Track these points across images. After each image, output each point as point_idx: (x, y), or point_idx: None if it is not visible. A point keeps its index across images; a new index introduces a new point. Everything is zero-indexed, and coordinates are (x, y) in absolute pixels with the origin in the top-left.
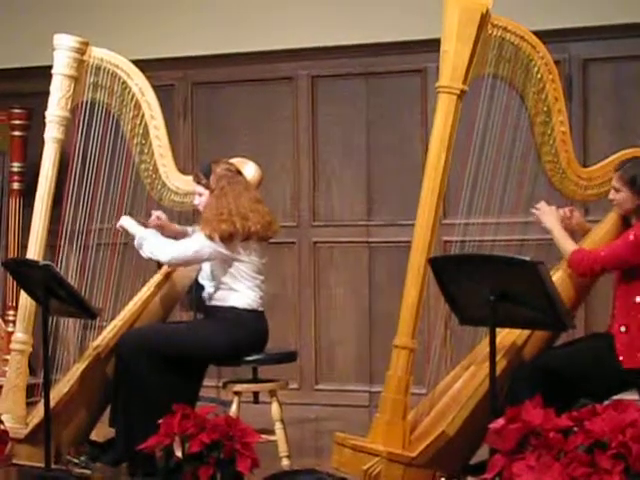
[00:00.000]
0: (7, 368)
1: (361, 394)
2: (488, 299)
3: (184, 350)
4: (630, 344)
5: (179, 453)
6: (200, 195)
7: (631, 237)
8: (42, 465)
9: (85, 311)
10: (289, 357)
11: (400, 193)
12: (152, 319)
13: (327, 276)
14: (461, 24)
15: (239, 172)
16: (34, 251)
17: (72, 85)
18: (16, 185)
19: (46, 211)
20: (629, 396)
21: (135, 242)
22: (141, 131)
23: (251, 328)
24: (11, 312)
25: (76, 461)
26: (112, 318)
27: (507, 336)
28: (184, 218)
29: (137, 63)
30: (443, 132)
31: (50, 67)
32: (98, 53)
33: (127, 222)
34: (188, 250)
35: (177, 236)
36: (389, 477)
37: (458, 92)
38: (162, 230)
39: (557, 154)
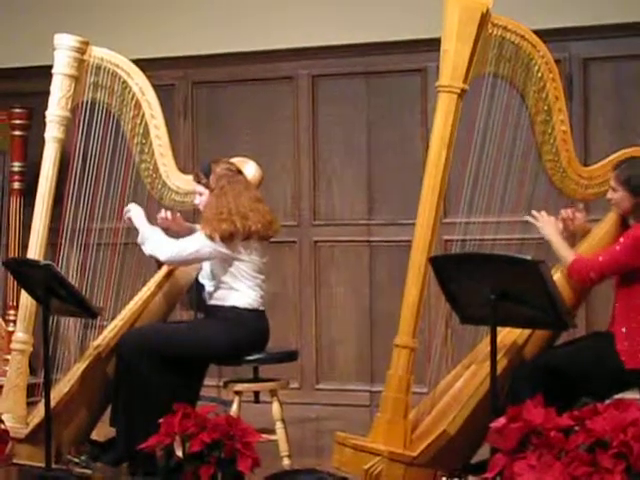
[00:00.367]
0: (8, 368)
1: (362, 393)
2: (489, 298)
3: (185, 349)
4: (632, 345)
5: (180, 452)
6: (200, 194)
7: (628, 243)
8: (43, 465)
9: (86, 310)
10: (290, 356)
11: (401, 192)
12: (153, 319)
13: (328, 275)
14: (461, 23)
15: (239, 171)
16: (35, 251)
17: (72, 85)
18: (17, 185)
19: (47, 211)
20: (630, 395)
21: (138, 238)
22: (141, 130)
23: (252, 327)
24: (12, 312)
25: (77, 461)
26: (113, 318)
27: (508, 335)
28: (185, 217)
29: (137, 62)
30: (443, 131)
31: (50, 67)
32: (98, 53)
33: (135, 213)
34: (188, 249)
35: (187, 234)
36: (390, 477)
37: (458, 91)
38: (172, 228)
39: (558, 153)
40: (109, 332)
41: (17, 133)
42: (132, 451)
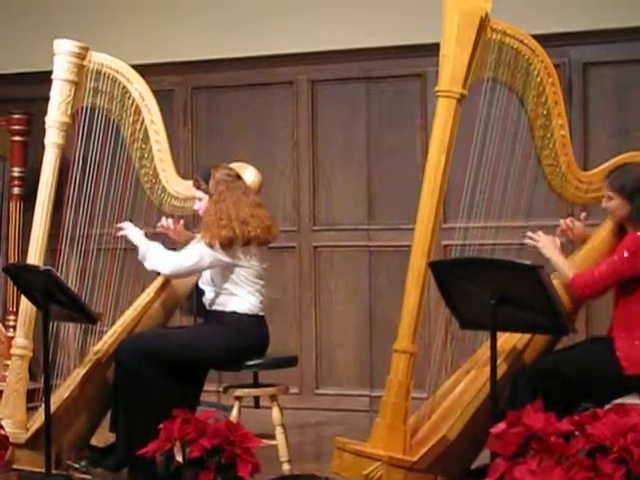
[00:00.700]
0: (7, 373)
1: (362, 398)
2: (489, 303)
3: (184, 355)
4: (631, 352)
5: (180, 458)
6: (200, 200)
7: (625, 254)
8: (43, 470)
9: (85, 316)
10: (290, 362)
11: (400, 197)
12: (152, 324)
13: (327, 280)
14: (460, 28)
15: (239, 177)
16: (34, 256)
17: (72, 90)
18: (16, 190)
19: (46, 216)
20: (630, 400)
21: (139, 254)
22: (141, 136)
23: (252, 333)
24: (12, 317)
25: (76, 466)
26: (112, 323)
27: (508, 340)
28: (185, 222)
29: (137, 68)
30: (443, 136)
31: (50, 72)
32: (98, 58)
33: (131, 232)
34: (189, 261)
35: (186, 242)
36: None
37: (458, 96)
38: (172, 237)
39: (557, 158)
40: (109, 337)
41: (17, 139)
42: (132, 456)
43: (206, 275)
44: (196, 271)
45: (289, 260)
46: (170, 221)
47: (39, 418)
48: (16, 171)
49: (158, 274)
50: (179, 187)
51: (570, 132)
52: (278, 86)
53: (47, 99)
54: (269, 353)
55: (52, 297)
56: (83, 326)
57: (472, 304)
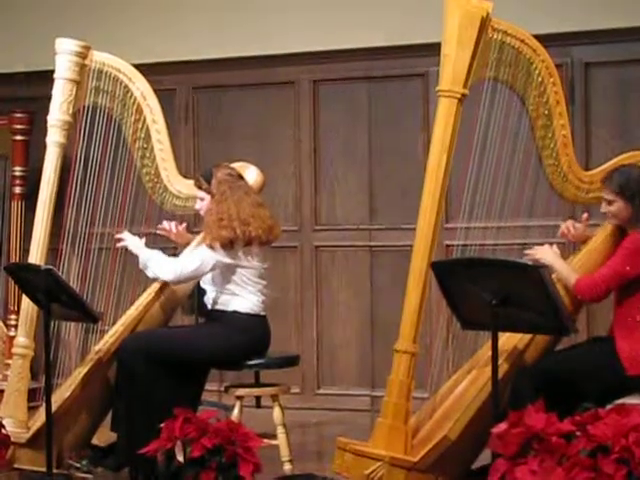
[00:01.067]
0: (9, 372)
1: (363, 398)
2: (490, 303)
3: (186, 354)
4: (633, 353)
5: (181, 457)
6: (201, 200)
7: (626, 255)
8: (44, 469)
9: (87, 315)
10: (291, 361)
11: (402, 197)
12: (154, 323)
13: (329, 280)
14: (462, 28)
15: (240, 176)
16: (36, 255)
17: (74, 89)
18: (18, 189)
19: (48, 215)
20: (632, 400)
21: (140, 264)
22: (143, 135)
23: (253, 332)
24: (13, 316)
25: (78, 465)
26: (114, 322)
27: (509, 340)
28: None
29: (138, 67)
30: (444, 136)
31: (52, 71)
32: (100, 57)
33: (131, 242)
34: (191, 266)
35: (186, 244)
36: None
37: (459, 96)
38: (175, 239)
39: (558, 157)
40: (110, 337)
41: (18, 138)
42: (133, 456)
43: (208, 275)
44: (199, 276)
45: (291, 260)
46: (173, 224)
47: (40, 417)
48: (18, 170)
49: None
50: (181, 186)
51: (572, 132)
52: (280, 86)
53: (49, 98)
54: (270, 353)
55: (53, 296)
56: (84, 325)
57: (473, 304)
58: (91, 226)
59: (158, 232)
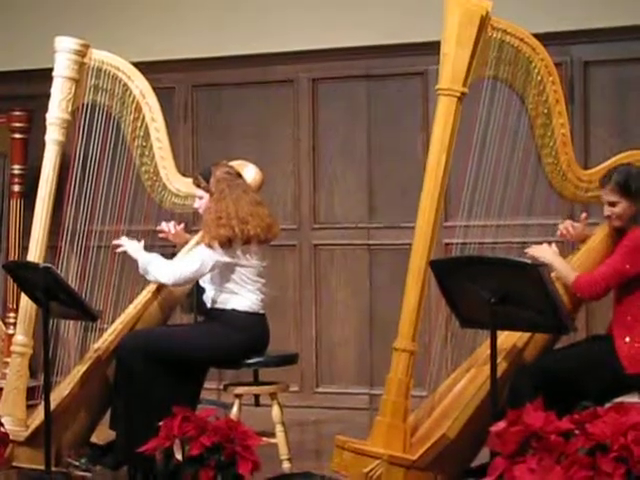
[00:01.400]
0: (7, 370)
1: (362, 397)
2: (489, 301)
3: (185, 353)
4: (632, 352)
5: (179, 456)
6: (200, 198)
7: (625, 252)
8: (42, 468)
9: (86, 313)
10: (290, 360)
11: (401, 195)
12: (153, 322)
13: (328, 279)
14: (461, 26)
15: (239, 175)
16: (34, 253)
17: (73, 87)
18: (17, 187)
19: (47, 214)
20: (631, 399)
21: (139, 269)
22: (142, 133)
23: (252, 331)
24: (12, 314)
25: (76, 464)
26: (113, 320)
27: (508, 339)
28: (184, 220)
29: (137, 65)
30: (443, 134)
31: (51, 69)
32: (99, 55)
33: (130, 247)
34: (191, 268)
35: (184, 245)
36: None
37: (458, 94)
38: (173, 239)
39: (557, 156)
40: (109, 335)
41: (17, 136)
42: (132, 454)
43: (209, 274)
44: (198, 277)
45: (289, 258)
46: (171, 225)
47: (39, 415)
48: (16, 168)
49: None
50: (179, 184)
51: (571, 130)
52: (279, 84)
53: (48, 96)
54: (269, 351)
55: (52, 294)
56: (83, 323)
57: (472, 302)
58: (90, 224)
59: (158, 230)
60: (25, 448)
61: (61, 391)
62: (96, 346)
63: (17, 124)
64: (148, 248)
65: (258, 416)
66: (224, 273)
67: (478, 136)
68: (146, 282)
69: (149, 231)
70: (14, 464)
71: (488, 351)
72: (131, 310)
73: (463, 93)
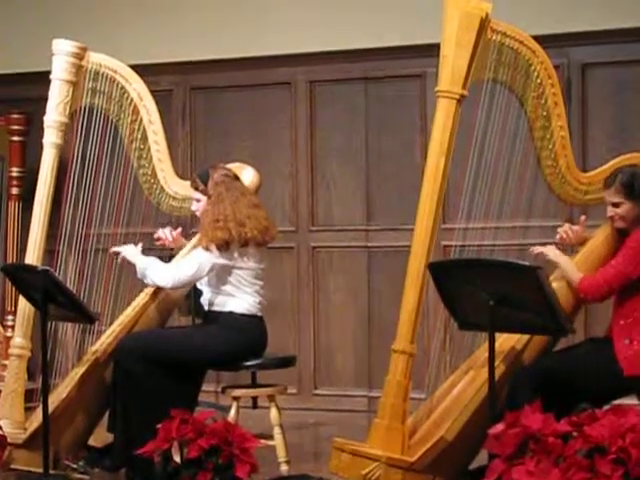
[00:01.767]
0: (5, 373)
1: (360, 399)
2: (487, 304)
3: (182, 355)
4: (630, 352)
5: (177, 458)
6: (198, 201)
7: (630, 250)
8: (40, 470)
9: (84, 316)
10: (288, 362)
11: (399, 198)
12: (151, 324)
13: (326, 281)
14: (461, 29)
15: (236, 177)
16: (32, 256)
17: (70, 90)
18: (15, 190)
19: (44, 216)
20: (629, 401)
21: (137, 273)
22: (139, 136)
23: (250, 333)
24: (10, 317)
25: (74, 466)
26: (111, 323)
27: (506, 341)
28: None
29: (135, 68)
30: (442, 137)
31: (49, 72)
32: (96, 58)
33: (128, 252)
34: (188, 272)
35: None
36: None
37: (458, 97)
38: (170, 245)
39: (556, 159)
40: (107, 337)
41: (15, 138)
42: (130, 457)
43: (206, 276)
44: (196, 280)
45: (287, 260)
46: (167, 231)
47: (37, 418)
48: (15, 171)
49: None
50: (177, 187)
51: (569, 133)
52: (276, 86)
53: (46, 99)
54: (267, 353)
55: (50, 297)
56: (81, 326)
57: (470, 305)
58: (88, 227)
59: (157, 243)
60: (23, 451)
61: (59, 394)
62: (94, 348)
63: (15, 127)
64: (146, 251)
65: (256, 418)
66: (221, 275)
67: (477, 138)
68: (144, 285)
69: (147, 234)
70: (12, 467)
71: (487, 353)
72: (129, 312)
73: (462, 95)
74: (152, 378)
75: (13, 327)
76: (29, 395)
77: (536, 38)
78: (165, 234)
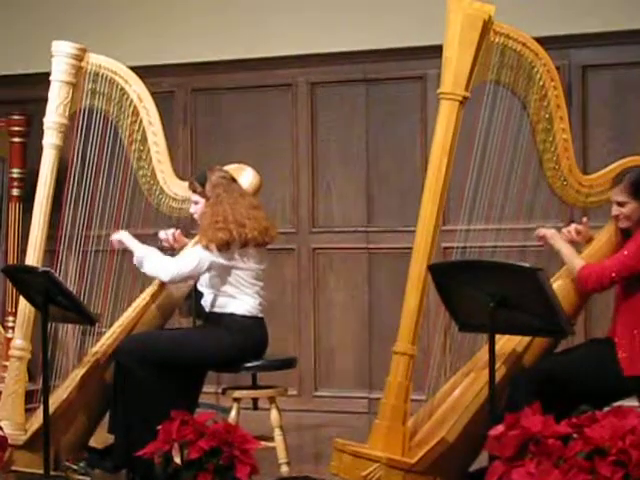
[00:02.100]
0: (6, 374)
1: (360, 400)
2: (488, 305)
3: (183, 356)
4: (632, 352)
5: (178, 459)
6: (196, 203)
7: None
8: (41, 472)
9: (84, 317)
10: (288, 363)
11: (399, 200)
12: (151, 325)
13: (327, 282)
14: (464, 31)
15: (234, 179)
16: (33, 257)
17: (70, 92)
18: (16, 191)
19: (44, 217)
20: (629, 403)
21: (135, 260)
22: (139, 137)
23: (251, 335)
24: (11, 318)
25: (75, 467)
26: (111, 324)
27: (507, 343)
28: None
29: (137, 69)
30: (444, 138)
31: (50, 74)
32: (96, 60)
33: (126, 237)
34: (187, 267)
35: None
36: None
37: (460, 98)
38: (174, 246)
39: (559, 161)
40: (107, 339)
41: (16, 140)
42: (130, 458)
43: (204, 278)
44: (194, 276)
45: (288, 262)
46: (169, 233)
47: (37, 419)
48: (15, 172)
49: None
50: (177, 188)
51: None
52: (277, 88)
53: (47, 100)
54: (268, 355)
55: (51, 298)
56: (82, 327)
57: (471, 306)
58: (88, 228)
59: (162, 245)
60: (24, 452)
61: (59, 395)
62: (94, 350)
63: (16, 128)
64: None
65: (256, 420)
66: (222, 276)
67: (479, 140)
68: (144, 285)
69: (147, 235)
70: (13, 468)
71: (487, 355)
72: (129, 314)
73: (465, 97)
74: (152, 379)
75: (14, 328)
76: (29, 396)
77: (537, 40)
78: (167, 235)
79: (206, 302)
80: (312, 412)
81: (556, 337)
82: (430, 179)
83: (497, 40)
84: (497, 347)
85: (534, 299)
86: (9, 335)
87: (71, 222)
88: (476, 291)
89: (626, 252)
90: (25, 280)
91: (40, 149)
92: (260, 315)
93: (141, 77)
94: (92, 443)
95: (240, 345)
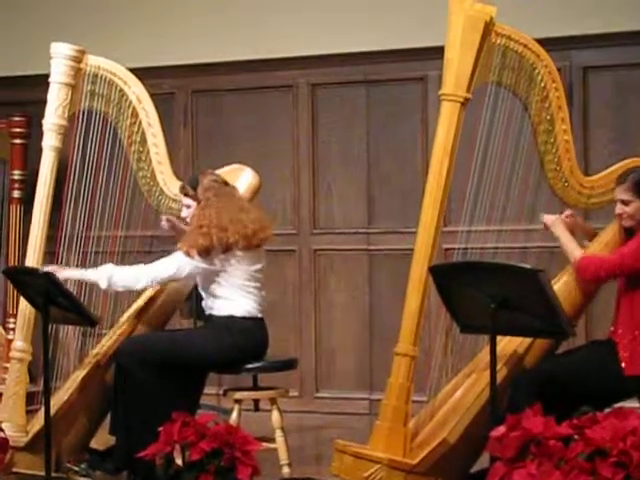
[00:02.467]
0: (7, 376)
1: (361, 402)
2: (489, 307)
3: (183, 358)
4: (635, 353)
5: (179, 461)
6: (188, 207)
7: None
8: (42, 473)
9: (85, 318)
10: (289, 365)
11: (400, 201)
12: (151, 326)
13: (327, 284)
14: (465, 32)
15: (226, 183)
16: (33, 258)
17: (69, 93)
18: (16, 193)
19: (44, 219)
20: (630, 404)
21: (102, 286)
22: (139, 139)
23: (251, 336)
24: (12, 320)
25: (76, 469)
26: (112, 325)
27: (508, 344)
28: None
29: (137, 71)
30: (446, 140)
31: (49, 75)
32: (95, 61)
33: (69, 273)
34: (165, 272)
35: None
36: None
37: (462, 100)
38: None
39: (560, 163)
40: (108, 340)
41: (17, 141)
42: (131, 459)
43: (199, 282)
44: (176, 279)
45: (289, 263)
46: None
47: (39, 421)
48: (16, 174)
49: None
50: (177, 189)
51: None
52: (278, 89)
53: (47, 102)
54: (269, 356)
55: (51, 300)
56: (82, 329)
57: (472, 308)
58: (88, 229)
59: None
60: (25, 454)
61: (60, 396)
62: (95, 351)
63: (17, 129)
64: (146, 253)
65: (258, 421)
66: (211, 280)
67: (481, 142)
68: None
69: (146, 236)
70: (14, 470)
71: (488, 356)
72: (130, 315)
73: (466, 99)
74: (153, 381)
75: (15, 330)
76: (30, 398)
77: (538, 41)
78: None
79: (205, 305)
80: (313, 413)
81: (557, 338)
82: (431, 180)
83: (498, 41)
84: (498, 348)
85: (535, 300)
86: (10, 337)
87: (71, 223)
88: (477, 292)
89: (626, 249)
90: (26, 281)
91: (41, 151)
92: (260, 316)
93: (141, 79)
94: (93, 445)
95: (241, 346)
